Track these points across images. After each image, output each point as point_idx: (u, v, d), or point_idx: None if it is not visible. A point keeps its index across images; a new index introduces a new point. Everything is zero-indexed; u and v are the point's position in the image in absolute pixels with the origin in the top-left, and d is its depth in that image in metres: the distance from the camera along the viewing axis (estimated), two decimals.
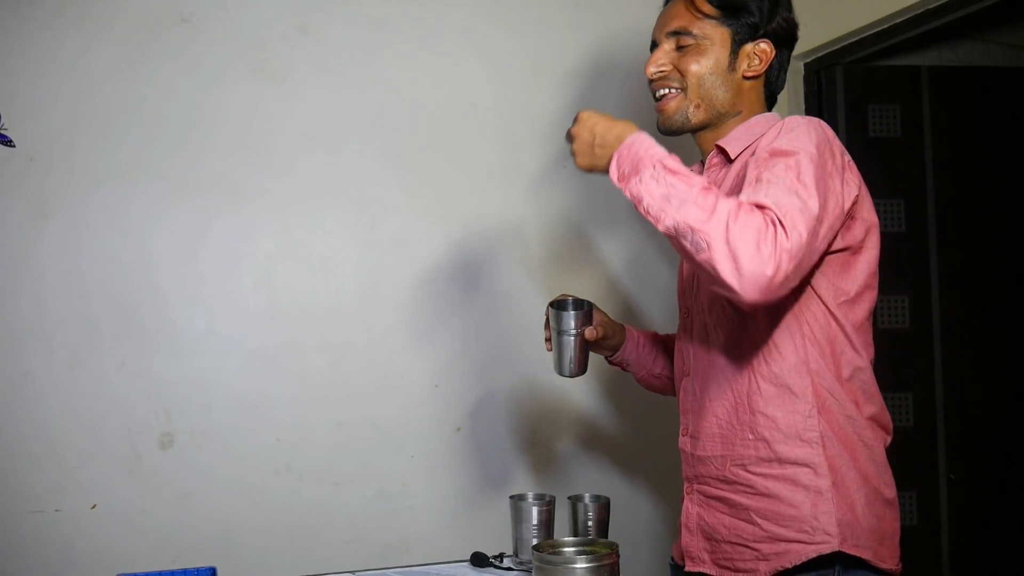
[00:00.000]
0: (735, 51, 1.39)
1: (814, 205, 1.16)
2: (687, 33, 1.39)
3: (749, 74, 1.40)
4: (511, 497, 1.70)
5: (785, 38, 1.42)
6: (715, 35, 1.39)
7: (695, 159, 1.50)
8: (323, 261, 2.26)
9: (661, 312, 2.45)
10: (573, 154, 1.31)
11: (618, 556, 1.32)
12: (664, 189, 1.17)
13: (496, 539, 2.11)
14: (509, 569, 1.68)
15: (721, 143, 1.41)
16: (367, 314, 2.28)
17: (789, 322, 1.31)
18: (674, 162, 1.20)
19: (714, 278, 1.13)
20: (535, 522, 1.66)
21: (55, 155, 2.09)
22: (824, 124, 1.29)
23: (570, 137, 1.32)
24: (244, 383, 2.19)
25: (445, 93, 2.35)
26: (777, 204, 1.14)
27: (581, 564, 1.27)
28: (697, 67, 1.38)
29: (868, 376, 1.35)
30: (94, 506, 2.09)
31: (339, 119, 2.28)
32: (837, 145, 1.28)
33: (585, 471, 2.42)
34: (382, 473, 2.27)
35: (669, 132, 1.45)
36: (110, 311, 2.12)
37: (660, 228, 1.18)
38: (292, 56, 2.25)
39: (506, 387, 2.36)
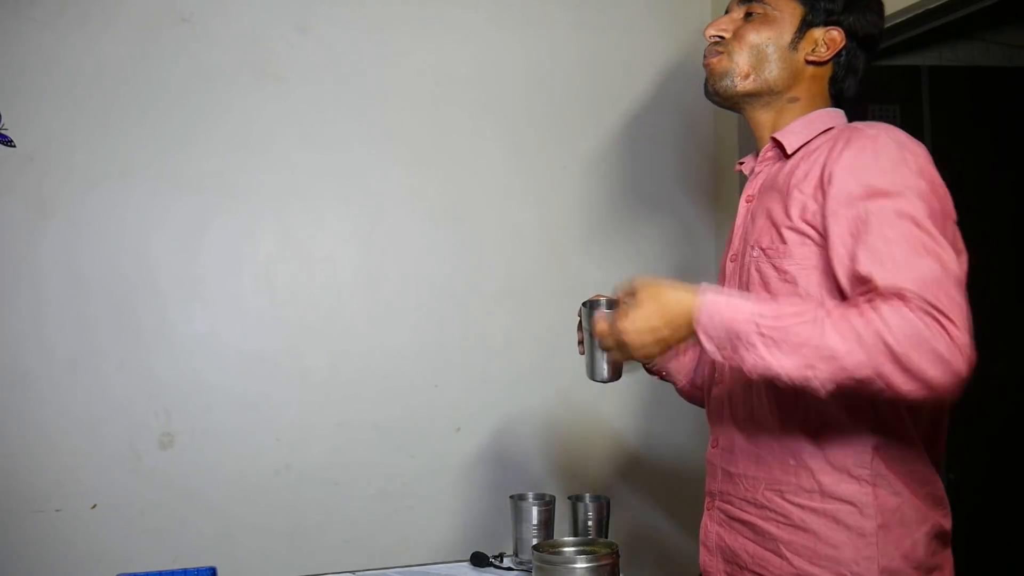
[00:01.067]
0: (802, 31, 1.31)
1: (950, 259, 1.06)
2: (759, 1, 1.33)
3: (812, 59, 1.32)
4: (511, 497, 1.70)
5: (864, 38, 1.33)
6: (787, 9, 1.32)
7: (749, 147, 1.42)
8: (323, 261, 2.26)
9: None
10: (623, 346, 1.16)
11: (618, 556, 1.32)
12: (789, 349, 1.04)
13: (496, 539, 2.11)
14: (509, 569, 1.68)
15: (778, 136, 1.32)
16: (367, 314, 2.28)
17: None
18: (767, 307, 1.08)
19: (900, 397, 1.04)
20: (535, 522, 1.66)
21: (55, 155, 2.09)
22: (909, 137, 1.17)
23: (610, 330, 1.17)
24: (244, 383, 2.19)
25: (445, 93, 2.35)
26: (917, 283, 1.03)
27: (581, 564, 1.27)
28: (756, 36, 1.31)
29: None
30: (94, 506, 2.09)
31: (339, 119, 2.28)
32: (931, 166, 1.17)
33: (586, 471, 2.42)
34: (382, 473, 2.27)
35: (716, 95, 1.37)
36: (109, 311, 2.11)
37: (818, 389, 1.05)
38: (292, 56, 2.24)
39: (506, 387, 2.36)
